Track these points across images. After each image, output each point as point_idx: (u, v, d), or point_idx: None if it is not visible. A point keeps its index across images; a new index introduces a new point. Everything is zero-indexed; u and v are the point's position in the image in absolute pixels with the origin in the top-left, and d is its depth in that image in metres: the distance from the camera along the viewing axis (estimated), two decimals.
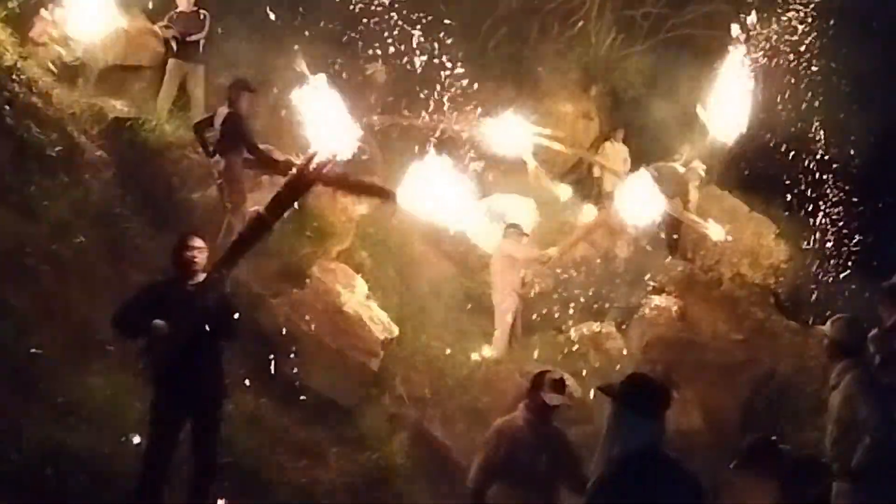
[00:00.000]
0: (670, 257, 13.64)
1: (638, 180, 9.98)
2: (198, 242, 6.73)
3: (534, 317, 11.54)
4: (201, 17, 11.99)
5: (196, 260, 6.60)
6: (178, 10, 11.98)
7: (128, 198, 9.86)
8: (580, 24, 16.36)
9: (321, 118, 6.14)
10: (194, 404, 6.55)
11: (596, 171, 15.47)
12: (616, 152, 15.53)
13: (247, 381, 8.77)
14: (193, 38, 11.87)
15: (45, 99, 9.99)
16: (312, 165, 6.03)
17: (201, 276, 6.56)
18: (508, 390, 10.15)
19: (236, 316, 6.80)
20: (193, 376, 6.43)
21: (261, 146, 10.18)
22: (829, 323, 6.48)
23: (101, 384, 7.58)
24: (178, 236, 6.92)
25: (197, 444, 6.67)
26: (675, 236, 13.83)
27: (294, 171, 6.24)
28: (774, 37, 14.70)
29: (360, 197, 6.07)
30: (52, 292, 8.21)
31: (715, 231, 12.04)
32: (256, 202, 10.39)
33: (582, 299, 12.02)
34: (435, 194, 5.91)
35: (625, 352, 11.55)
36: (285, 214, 6.65)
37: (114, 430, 7.18)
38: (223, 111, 10.13)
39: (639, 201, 9.69)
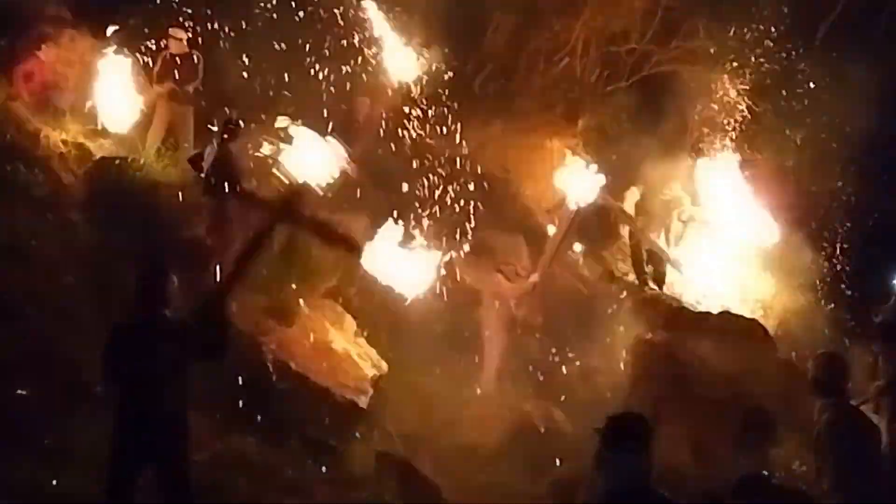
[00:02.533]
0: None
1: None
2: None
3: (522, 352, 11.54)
4: (195, 60, 12.00)
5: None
6: (169, 52, 11.97)
7: (115, 238, 9.84)
8: (565, 60, 16.48)
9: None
10: (156, 444, 6.30)
11: None
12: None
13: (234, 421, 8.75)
14: (189, 87, 11.90)
15: (32, 139, 10.01)
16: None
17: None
18: (498, 427, 10.14)
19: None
20: (157, 413, 6.22)
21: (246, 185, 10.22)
22: (812, 359, 6.41)
23: (86, 426, 7.50)
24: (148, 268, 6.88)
25: (162, 487, 6.45)
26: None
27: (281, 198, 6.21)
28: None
29: (327, 243, 5.97)
30: (38, 334, 8.17)
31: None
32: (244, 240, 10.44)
33: (570, 334, 12.03)
34: (398, 262, 5.84)
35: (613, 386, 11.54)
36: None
37: (99, 472, 7.08)
38: (212, 150, 10.18)
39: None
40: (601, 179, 10.31)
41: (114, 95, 11.45)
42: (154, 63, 12.02)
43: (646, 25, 16.36)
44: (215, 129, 10.46)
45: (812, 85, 15.62)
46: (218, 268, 9.86)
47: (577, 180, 10.14)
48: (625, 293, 12.62)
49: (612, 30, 16.34)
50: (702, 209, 14.72)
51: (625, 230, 14.42)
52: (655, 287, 13.75)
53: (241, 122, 10.45)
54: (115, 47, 11.58)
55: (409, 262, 5.81)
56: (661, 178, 14.78)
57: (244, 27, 12.77)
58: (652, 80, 16.82)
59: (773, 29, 15.50)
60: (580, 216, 10.61)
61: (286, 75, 12.65)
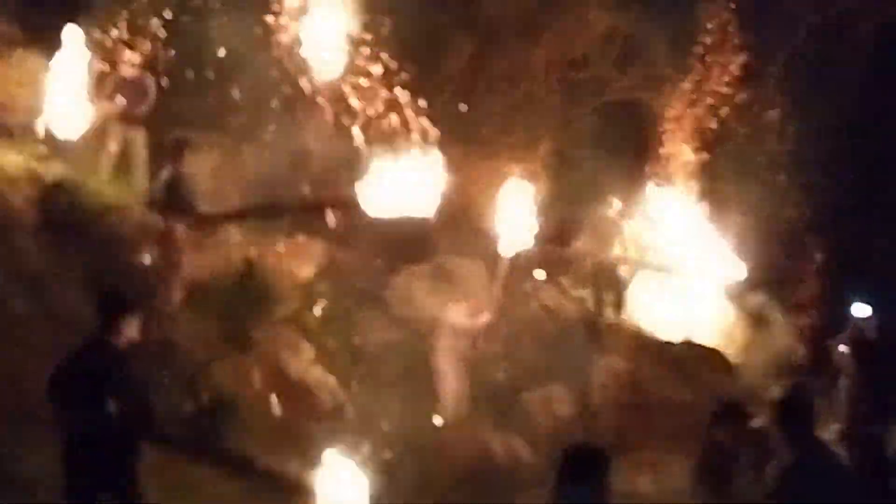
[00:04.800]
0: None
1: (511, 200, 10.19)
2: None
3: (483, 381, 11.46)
4: (147, 82, 11.78)
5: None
6: (119, 75, 11.73)
7: (66, 263, 9.67)
8: (523, 85, 16.49)
9: None
10: (107, 472, 6.17)
11: None
12: None
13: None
14: (140, 109, 11.64)
15: None
16: None
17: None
18: (461, 457, 10.05)
19: None
20: (108, 441, 6.09)
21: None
22: (775, 392, 6.21)
23: (34, 453, 7.30)
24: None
25: None
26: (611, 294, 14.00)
27: None
28: None
29: None
30: None
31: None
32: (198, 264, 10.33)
33: (531, 363, 11.98)
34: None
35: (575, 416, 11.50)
36: None
37: (47, 500, 6.89)
38: (166, 170, 10.07)
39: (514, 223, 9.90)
40: (535, 225, 10.37)
41: (65, 101, 11.00)
42: (104, 83, 11.72)
43: (606, 51, 16.42)
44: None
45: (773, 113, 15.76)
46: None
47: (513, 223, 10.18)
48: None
49: (572, 55, 16.38)
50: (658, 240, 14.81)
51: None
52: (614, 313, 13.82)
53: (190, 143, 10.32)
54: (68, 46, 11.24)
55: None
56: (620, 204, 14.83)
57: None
58: (613, 107, 16.88)
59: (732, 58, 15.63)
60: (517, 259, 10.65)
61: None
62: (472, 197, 14.30)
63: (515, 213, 10.20)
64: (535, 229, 10.56)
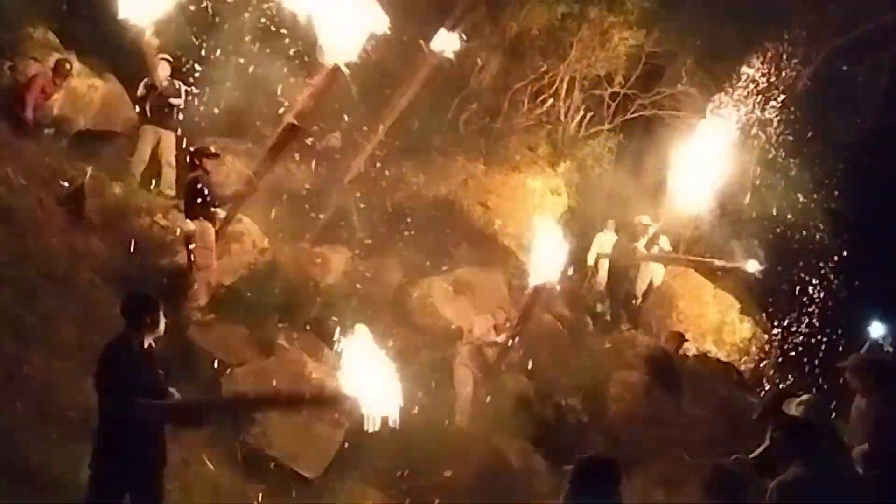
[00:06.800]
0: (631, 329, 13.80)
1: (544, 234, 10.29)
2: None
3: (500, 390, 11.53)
4: (177, 86, 12.06)
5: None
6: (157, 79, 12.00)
7: (95, 263, 9.80)
8: (550, 101, 16.63)
9: None
10: (134, 475, 6.29)
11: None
12: (609, 240, 15.37)
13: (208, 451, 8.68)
14: (174, 101, 11.91)
15: (15, 162, 9.98)
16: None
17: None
18: (476, 463, 10.11)
19: None
20: (136, 444, 6.19)
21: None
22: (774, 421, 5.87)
23: (59, 452, 7.43)
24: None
25: None
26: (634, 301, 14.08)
27: None
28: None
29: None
30: (14, 357, 8.10)
31: (751, 265, 12.43)
32: (223, 268, 10.45)
33: (548, 373, 12.04)
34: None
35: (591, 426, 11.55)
36: None
37: (71, 499, 7.02)
38: (189, 176, 10.23)
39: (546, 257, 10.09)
40: (565, 258, 10.52)
41: None
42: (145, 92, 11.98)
43: (630, 70, 16.53)
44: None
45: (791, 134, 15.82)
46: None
47: (545, 257, 10.36)
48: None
49: (596, 73, 16.50)
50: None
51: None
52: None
53: (212, 149, 10.46)
54: None
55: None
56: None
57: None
58: (634, 124, 17.01)
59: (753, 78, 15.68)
60: (544, 292, 10.78)
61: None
62: (494, 210, 14.46)
63: (547, 246, 10.36)
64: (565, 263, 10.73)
